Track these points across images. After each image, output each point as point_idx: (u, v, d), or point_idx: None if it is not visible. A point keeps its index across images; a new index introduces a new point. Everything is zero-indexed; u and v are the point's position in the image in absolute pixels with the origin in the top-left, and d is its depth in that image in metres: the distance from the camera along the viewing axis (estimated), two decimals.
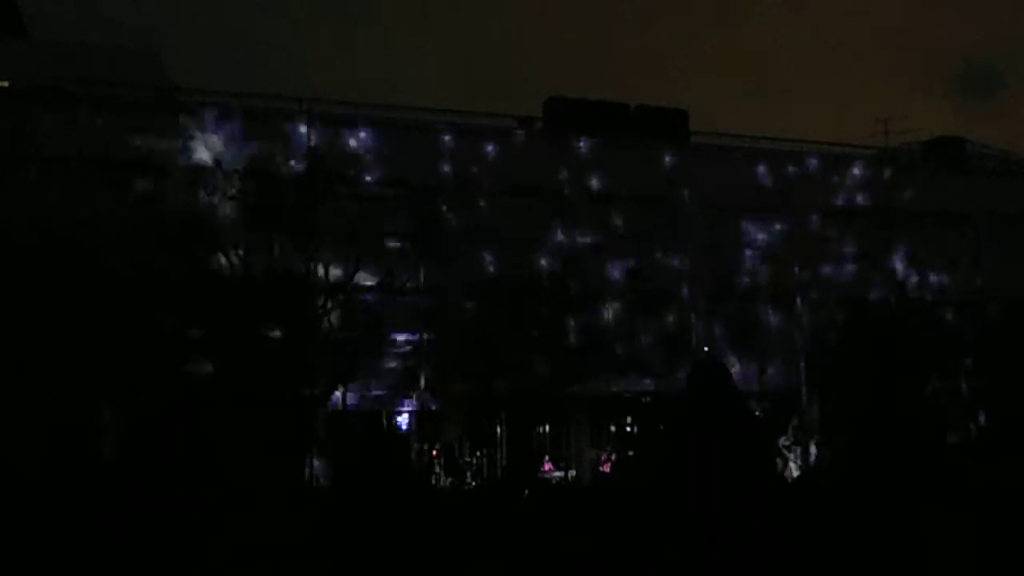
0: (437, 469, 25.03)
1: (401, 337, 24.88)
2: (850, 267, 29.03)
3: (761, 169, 29.38)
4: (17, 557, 8.70)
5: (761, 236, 28.69)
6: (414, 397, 24.91)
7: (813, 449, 25.46)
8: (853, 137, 38.83)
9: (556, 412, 27.13)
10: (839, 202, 29.69)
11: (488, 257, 26.02)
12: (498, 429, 26.93)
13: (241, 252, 21.86)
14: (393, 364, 24.54)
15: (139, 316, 20.35)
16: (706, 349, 27.16)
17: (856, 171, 30.74)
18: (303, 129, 24.71)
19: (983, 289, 29.62)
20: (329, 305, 22.37)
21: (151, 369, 20.31)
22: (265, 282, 21.30)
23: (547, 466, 26.92)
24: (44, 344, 19.02)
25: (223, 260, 21.78)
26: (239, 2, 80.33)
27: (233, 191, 22.40)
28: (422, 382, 24.85)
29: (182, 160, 23.56)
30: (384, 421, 25.19)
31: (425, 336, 25.13)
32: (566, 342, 26.40)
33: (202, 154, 23.09)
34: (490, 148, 27.00)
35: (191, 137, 23.46)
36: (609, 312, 27.56)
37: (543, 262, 26.44)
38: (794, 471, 24.33)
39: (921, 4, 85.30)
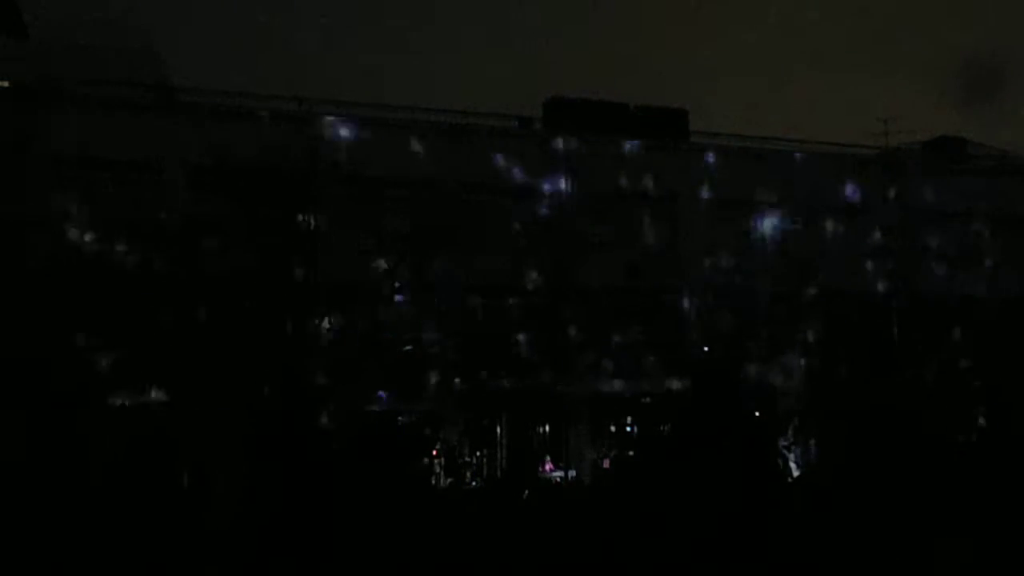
0: (437, 469, 25.02)
1: (401, 337, 24.88)
2: (851, 266, 29.05)
3: (761, 168, 29.41)
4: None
5: (761, 235, 28.72)
6: (414, 398, 24.89)
7: (813, 449, 25.45)
8: (853, 137, 38.81)
9: (556, 412, 27.13)
10: (839, 201, 29.71)
11: (489, 257, 26.03)
12: (498, 429, 26.94)
13: (240, 252, 21.85)
14: (394, 364, 24.52)
15: (138, 315, 20.35)
16: (706, 349, 27.19)
17: (856, 171, 30.76)
18: (303, 129, 24.70)
19: (983, 289, 29.64)
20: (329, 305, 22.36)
21: (149, 369, 20.31)
22: (265, 283, 21.28)
23: (548, 466, 26.93)
24: (44, 342, 19.01)
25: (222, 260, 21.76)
26: (239, 2, 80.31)
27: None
28: (422, 382, 24.84)
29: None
30: (385, 421, 25.17)
31: (426, 336, 25.14)
32: (566, 342, 26.43)
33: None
34: (490, 148, 27.02)
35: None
36: (609, 311, 27.59)
37: (544, 262, 26.47)
38: (794, 471, 24.31)
39: (921, 4, 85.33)
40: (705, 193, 28.66)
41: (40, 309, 19.29)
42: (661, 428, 25.32)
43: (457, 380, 25.14)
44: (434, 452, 25.38)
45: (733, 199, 28.53)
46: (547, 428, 28.02)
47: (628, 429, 28.51)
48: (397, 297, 24.01)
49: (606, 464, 26.89)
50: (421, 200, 25.61)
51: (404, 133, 26.51)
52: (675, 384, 26.19)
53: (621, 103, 30.15)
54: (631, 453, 25.97)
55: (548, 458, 27.26)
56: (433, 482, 23.77)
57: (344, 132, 25.43)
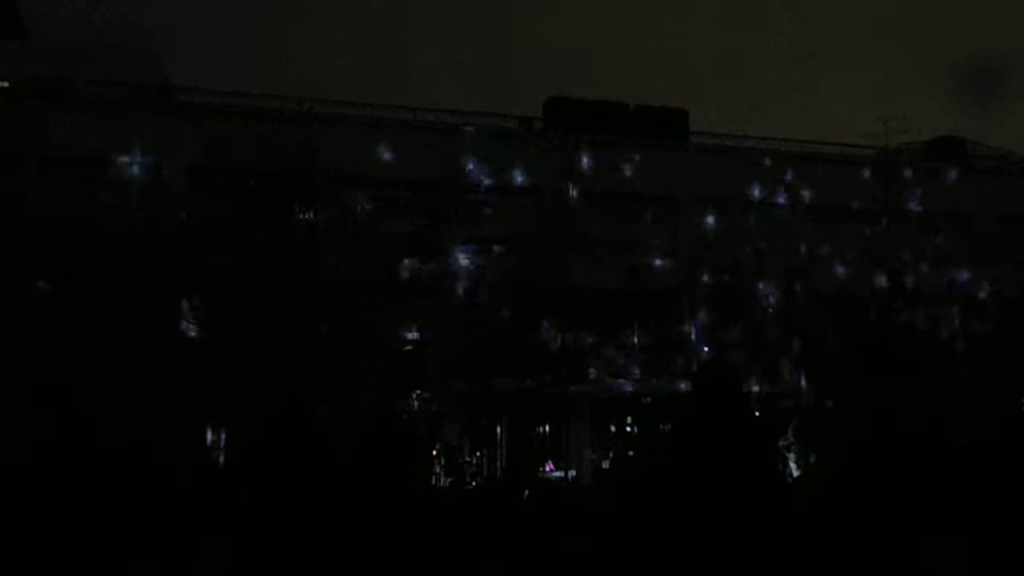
0: (437, 469, 25.02)
1: (402, 337, 24.89)
2: (849, 266, 29.06)
3: (761, 168, 29.40)
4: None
5: (761, 235, 28.70)
6: (415, 397, 24.89)
7: (813, 450, 25.47)
8: (853, 137, 38.83)
9: (556, 412, 27.14)
10: (839, 201, 29.70)
11: (488, 257, 26.04)
12: (498, 429, 26.94)
13: (240, 253, 21.86)
14: (393, 364, 24.53)
15: (137, 316, 20.35)
16: (706, 349, 27.20)
17: (856, 170, 30.76)
18: (303, 129, 24.70)
19: (983, 289, 29.64)
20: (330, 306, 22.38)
21: (148, 369, 20.31)
22: (264, 283, 21.29)
23: (549, 466, 26.93)
24: (42, 344, 19.02)
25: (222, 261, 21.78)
26: (239, 2, 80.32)
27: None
28: (423, 382, 24.83)
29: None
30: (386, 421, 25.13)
31: (426, 336, 25.15)
32: (566, 343, 26.44)
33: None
34: (490, 148, 27.00)
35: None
36: (609, 312, 27.60)
37: (544, 262, 26.46)
38: (794, 471, 24.32)
39: (921, 4, 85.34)
40: (705, 193, 28.63)
41: (38, 309, 19.30)
42: (661, 428, 25.37)
43: (457, 380, 25.12)
44: (434, 452, 25.39)
45: (733, 199, 28.51)
46: (547, 428, 28.02)
47: (628, 429, 28.52)
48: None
49: (606, 464, 26.90)
50: (421, 200, 25.61)
51: (404, 133, 26.50)
52: (675, 385, 26.22)
53: (621, 103, 30.14)
54: (631, 453, 26.02)
55: (548, 459, 27.28)
56: (433, 482, 23.79)
57: (344, 132, 25.41)
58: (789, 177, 29.47)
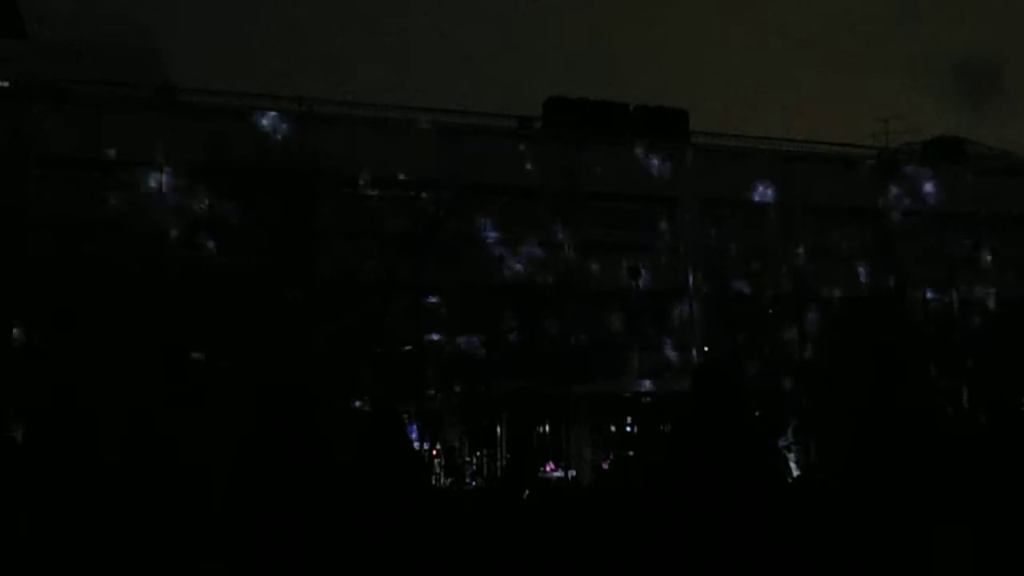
0: (437, 469, 25.01)
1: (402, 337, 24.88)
2: (851, 266, 29.06)
3: (761, 169, 29.40)
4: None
5: (761, 235, 28.71)
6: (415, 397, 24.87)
7: (813, 449, 25.48)
8: (853, 137, 38.84)
9: (556, 412, 27.13)
10: (839, 202, 29.71)
11: (488, 257, 26.04)
12: (498, 429, 26.93)
13: (239, 252, 21.84)
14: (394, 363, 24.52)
15: (137, 314, 20.34)
16: (706, 349, 27.19)
17: (856, 171, 30.76)
18: (302, 128, 24.71)
19: (983, 288, 29.66)
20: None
21: (148, 368, 20.29)
22: (264, 282, 21.26)
23: (549, 466, 26.91)
24: (41, 342, 19.02)
25: (222, 259, 21.77)
26: (239, 2, 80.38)
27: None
28: (423, 383, 24.82)
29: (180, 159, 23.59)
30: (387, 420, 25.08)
31: (426, 336, 25.13)
32: (567, 342, 26.42)
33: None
34: (490, 148, 27.00)
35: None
36: (609, 312, 27.59)
37: (544, 262, 26.47)
38: (794, 471, 24.30)
39: (922, 4, 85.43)
40: (705, 193, 28.63)
41: (39, 309, 19.29)
42: (661, 428, 25.36)
43: (457, 380, 25.11)
44: (434, 452, 25.38)
45: (733, 199, 28.52)
46: (547, 428, 28.01)
47: (628, 429, 28.52)
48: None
49: (606, 464, 26.91)
50: (420, 200, 25.60)
51: (404, 133, 26.50)
52: (675, 384, 26.18)
53: (621, 103, 30.14)
54: (631, 453, 26.01)
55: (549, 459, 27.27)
56: (433, 482, 23.76)
57: (343, 132, 25.41)
58: (789, 177, 29.48)
